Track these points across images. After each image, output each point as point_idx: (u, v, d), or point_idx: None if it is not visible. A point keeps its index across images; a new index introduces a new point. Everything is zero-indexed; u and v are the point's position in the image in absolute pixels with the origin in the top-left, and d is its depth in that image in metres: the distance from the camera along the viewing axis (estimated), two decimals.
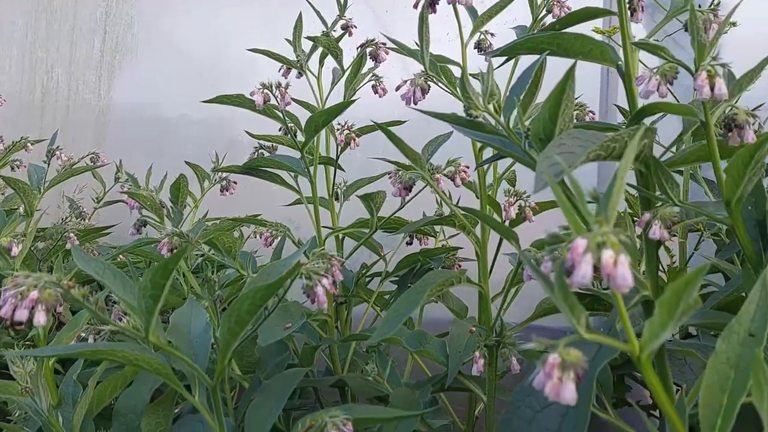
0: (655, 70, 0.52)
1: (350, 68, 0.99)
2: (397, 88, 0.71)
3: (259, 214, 1.22)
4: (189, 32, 1.92)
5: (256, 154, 1.08)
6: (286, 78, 1.11)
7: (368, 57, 0.96)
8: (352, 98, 0.92)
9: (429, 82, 0.72)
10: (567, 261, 0.32)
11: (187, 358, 0.60)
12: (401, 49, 0.75)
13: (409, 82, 0.70)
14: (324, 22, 1.14)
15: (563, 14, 0.90)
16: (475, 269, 0.98)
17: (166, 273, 0.50)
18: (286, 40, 1.12)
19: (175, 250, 0.90)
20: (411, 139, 0.79)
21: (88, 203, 1.63)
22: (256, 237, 1.32)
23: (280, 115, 0.86)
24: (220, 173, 1.19)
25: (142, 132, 1.95)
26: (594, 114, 1.00)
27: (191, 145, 1.88)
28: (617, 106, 1.20)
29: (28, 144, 1.37)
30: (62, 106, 2.07)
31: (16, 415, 1.04)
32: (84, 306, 0.51)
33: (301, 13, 1.08)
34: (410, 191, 0.79)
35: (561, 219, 0.34)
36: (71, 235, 1.13)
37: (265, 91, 0.82)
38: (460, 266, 1.05)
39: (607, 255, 0.30)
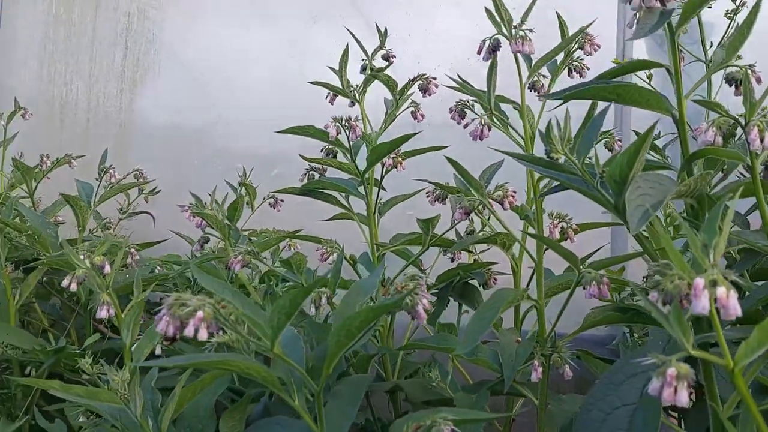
0: (711, 123, 0.62)
1: (394, 98, 1.07)
2: (465, 126, 0.80)
3: (300, 229, 1.30)
4: (213, 49, 1.99)
5: (307, 175, 1.15)
6: (332, 104, 1.20)
7: (420, 91, 1.04)
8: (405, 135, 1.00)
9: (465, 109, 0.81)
10: (677, 293, 0.42)
11: (298, 366, 0.68)
12: (466, 89, 0.84)
13: (476, 120, 0.79)
14: (365, 52, 1.22)
15: (593, 50, 1.00)
16: (504, 281, 1.10)
17: (304, 294, 0.58)
18: (330, 68, 1.21)
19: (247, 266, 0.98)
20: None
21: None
22: (290, 249, 1.41)
23: (347, 145, 0.94)
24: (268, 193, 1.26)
25: (164, 145, 2.02)
26: (620, 142, 1.11)
27: (214, 158, 1.94)
28: (634, 131, 1.32)
29: (72, 160, 1.43)
30: (82, 118, 2.13)
31: (80, 420, 1.11)
32: (227, 323, 0.59)
33: (348, 45, 1.17)
34: (469, 215, 0.88)
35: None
36: (132, 250, 1.19)
37: (337, 124, 0.91)
38: (496, 280, 1.14)
39: (721, 291, 0.39)
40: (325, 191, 1.08)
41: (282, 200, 1.31)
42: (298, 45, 1.92)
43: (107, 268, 0.87)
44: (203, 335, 0.55)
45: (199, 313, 0.55)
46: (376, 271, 0.76)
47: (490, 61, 0.78)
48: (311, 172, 1.17)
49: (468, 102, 1.06)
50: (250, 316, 0.63)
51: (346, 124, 0.91)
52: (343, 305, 0.73)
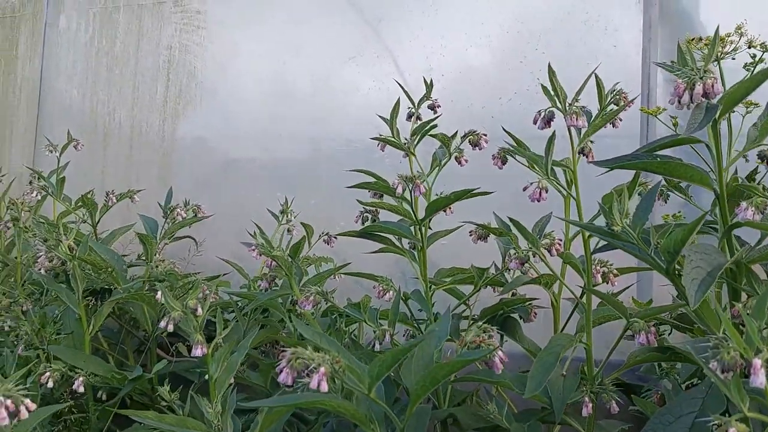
0: (750, 202, 0.72)
1: (447, 151, 1.17)
2: (524, 189, 0.91)
3: (349, 262, 1.40)
4: (251, 83, 2.10)
5: (361, 217, 1.26)
6: (383, 151, 1.31)
7: (471, 145, 1.14)
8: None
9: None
10: (733, 364, 0.52)
11: (387, 408, 0.78)
12: (521, 151, 0.94)
13: (534, 184, 0.89)
14: (411, 101, 1.33)
15: (627, 105, 1.11)
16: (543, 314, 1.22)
17: (404, 352, 0.68)
18: (380, 116, 1.32)
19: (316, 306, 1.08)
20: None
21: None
22: (335, 278, 1.52)
23: (409, 199, 1.05)
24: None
25: (205, 173, 2.12)
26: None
27: (253, 186, 2.05)
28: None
29: (134, 196, 1.53)
30: (125, 146, 2.23)
31: None
32: (337, 374, 0.69)
33: (399, 99, 1.28)
34: (524, 264, 0.98)
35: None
36: (203, 285, 1.29)
37: (404, 182, 1.01)
38: (535, 314, 1.25)
39: None
40: (381, 234, 1.17)
41: (335, 237, 1.42)
42: (332, 81, 2.03)
43: (199, 311, 0.97)
44: (324, 388, 0.65)
45: (322, 369, 0.65)
46: (444, 319, 0.87)
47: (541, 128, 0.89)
48: (365, 214, 1.28)
49: (509, 147, 1.16)
50: (352, 367, 0.73)
51: (410, 182, 1.01)
52: (419, 351, 0.84)
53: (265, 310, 1.39)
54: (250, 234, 1.73)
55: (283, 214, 1.79)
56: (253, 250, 1.21)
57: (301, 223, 1.39)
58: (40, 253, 1.37)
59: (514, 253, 0.96)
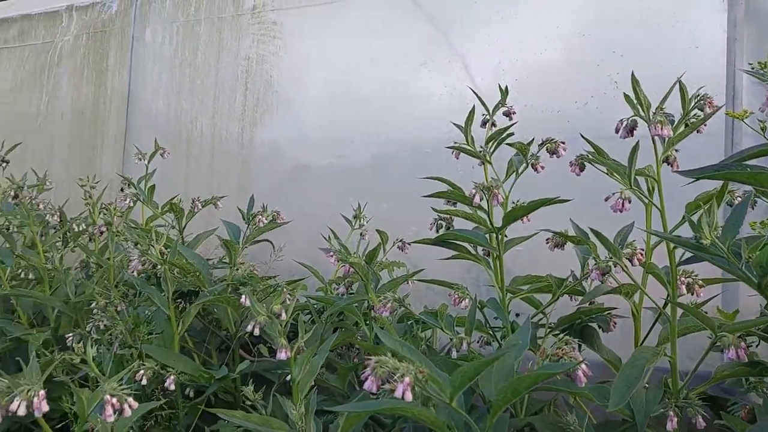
0: None
1: (526, 160, 1.17)
2: (606, 199, 0.90)
3: (422, 269, 1.42)
4: (326, 91, 2.15)
5: (436, 225, 1.27)
6: (457, 159, 1.32)
7: (548, 153, 1.14)
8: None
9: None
10: None
11: (468, 417, 0.79)
12: (603, 161, 0.93)
13: (617, 194, 0.88)
14: (486, 108, 1.34)
15: (712, 111, 1.07)
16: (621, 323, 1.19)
17: (486, 364, 0.69)
18: (454, 124, 1.33)
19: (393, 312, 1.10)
20: None
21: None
22: (408, 284, 1.53)
23: (485, 208, 1.05)
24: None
25: (279, 179, 2.19)
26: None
27: (326, 191, 2.10)
28: None
29: (218, 202, 1.61)
30: (207, 154, 2.34)
31: None
32: (420, 383, 0.71)
33: (474, 106, 1.28)
34: (605, 275, 0.97)
35: None
36: (286, 290, 1.34)
37: (481, 191, 1.02)
38: (615, 323, 1.22)
39: None
40: (456, 242, 1.18)
41: (409, 244, 1.44)
42: (403, 87, 2.05)
43: (283, 315, 1.01)
44: (409, 397, 0.67)
45: (407, 379, 0.67)
46: (524, 329, 0.87)
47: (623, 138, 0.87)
48: (439, 222, 1.29)
49: (587, 155, 1.15)
50: (434, 377, 0.75)
51: (488, 191, 1.02)
52: (499, 361, 0.84)
53: (341, 314, 1.43)
54: (325, 238, 1.78)
55: (356, 219, 1.83)
56: (331, 255, 1.25)
57: (377, 230, 1.42)
58: (134, 257, 1.46)
59: (595, 264, 0.95)
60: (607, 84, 1.69)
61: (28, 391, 0.77)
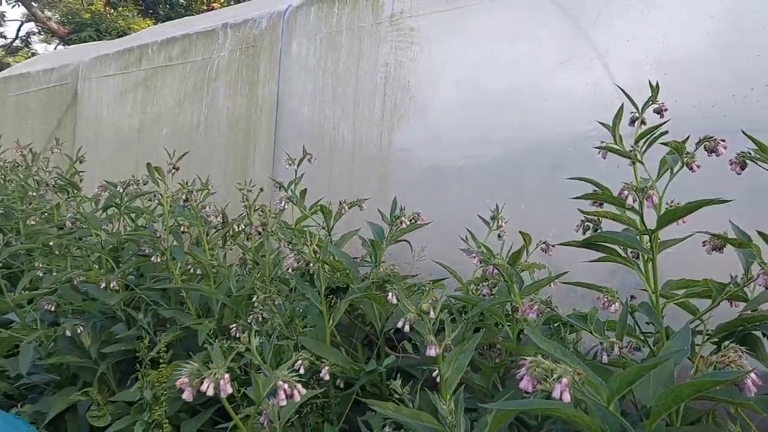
0: None
1: (681, 160, 1.12)
2: None
3: (566, 271, 1.40)
4: (459, 94, 2.18)
5: (582, 226, 1.25)
6: (604, 159, 1.29)
7: (706, 151, 1.08)
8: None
9: None
10: None
11: (625, 422, 0.78)
12: (766, 158, 0.87)
13: None
14: (635, 106, 1.29)
15: None
16: None
17: (645, 370, 0.69)
18: (601, 123, 1.30)
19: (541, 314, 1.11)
20: None
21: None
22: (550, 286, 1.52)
23: (637, 209, 1.03)
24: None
25: (416, 181, 2.25)
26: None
27: (463, 193, 2.13)
28: None
29: (362, 204, 1.70)
30: (348, 159, 2.46)
31: (385, 430, 1.33)
32: (577, 385, 0.72)
33: (623, 104, 1.25)
34: None
35: None
36: (433, 291, 1.40)
37: (634, 191, 1.00)
38: None
39: None
40: (605, 244, 1.16)
41: (553, 246, 1.43)
42: (542, 87, 2.03)
43: (432, 313, 1.06)
44: (567, 398, 0.68)
45: (565, 380, 0.68)
46: (683, 335, 0.84)
47: None
48: (586, 223, 1.27)
49: (748, 152, 1.08)
50: (590, 379, 0.75)
51: (642, 193, 0.99)
52: (657, 369, 0.82)
53: (481, 314, 1.45)
54: (462, 239, 1.81)
55: (493, 220, 1.84)
56: (473, 257, 1.27)
57: (520, 232, 1.42)
58: (289, 255, 1.58)
59: (761, 269, 0.90)
60: None
61: (215, 374, 0.88)
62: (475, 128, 2.16)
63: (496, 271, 1.22)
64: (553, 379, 0.69)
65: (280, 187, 2.04)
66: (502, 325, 1.40)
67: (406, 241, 1.89)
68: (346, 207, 1.72)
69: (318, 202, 1.90)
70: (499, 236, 1.82)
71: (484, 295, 1.37)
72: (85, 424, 1.93)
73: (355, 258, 1.73)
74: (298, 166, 2.07)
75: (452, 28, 2.21)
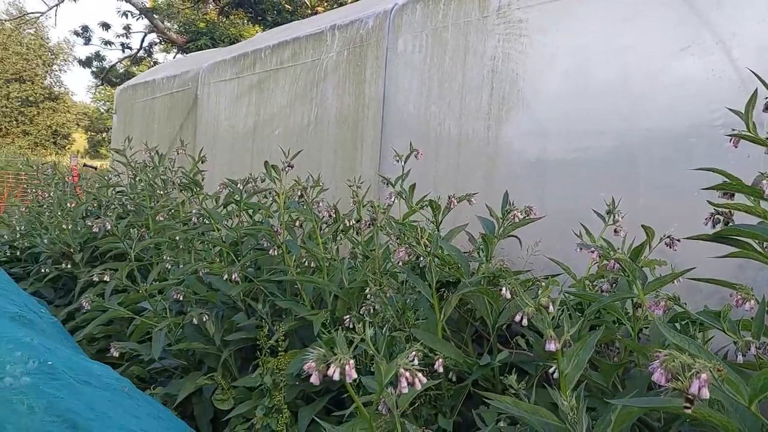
0: None
1: None
2: None
3: (693, 267, 1.33)
4: (569, 83, 2.12)
5: (712, 220, 1.18)
6: (735, 147, 1.21)
7: None
8: None
9: None
10: None
11: (764, 420, 0.74)
12: None
13: None
14: None
15: None
16: None
17: None
18: (731, 110, 1.22)
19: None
20: None
21: None
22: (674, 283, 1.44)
23: None
24: None
25: (523, 174, 2.22)
26: None
27: (576, 185, 2.07)
28: None
29: (472, 199, 1.70)
30: (453, 152, 2.46)
31: (500, 425, 1.32)
32: (716, 383, 0.68)
33: (756, 90, 1.17)
34: None
35: None
36: (551, 287, 1.38)
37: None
38: None
39: None
40: (739, 238, 1.09)
41: (678, 241, 1.36)
42: (660, 75, 1.92)
43: (551, 308, 1.04)
44: (705, 394, 0.65)
45: (704, 376, 0.65)
46: None
47: None
48: (716, 216, 1.20)
49: None
50: (730, 378, 0.71)
51: None
52: None
53: (598, 311, 1.41)
54: (575, 234, 1.76)
55: (609, 214, 1.78)
56: (592, 251, 1.24)
57: (642, 225, 1.36)
58: (399, 249, 1.61)
59: None
60: None
61: (340, 360, 0.92)
62: (586, 119, 2.09)
63: (616, 266, 1.17)
64: (691, 375, 0.66)
65: (387, 183, 2.08)
66: (621, 323, 1.35)
67: (514, 236, 1.87)
68: (455, 201, 1.72)
69: (425, 197, 1.92)
70: (615, 231, 1.76)
71: (602, 291, 1.32)
72: (210, 407, 2.07)
73: (465, 253, 1.73)
74: (405, 162, 2.10)
75: (563, 17, 2.15)
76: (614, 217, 1.76)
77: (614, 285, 1.29)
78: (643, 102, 1.97)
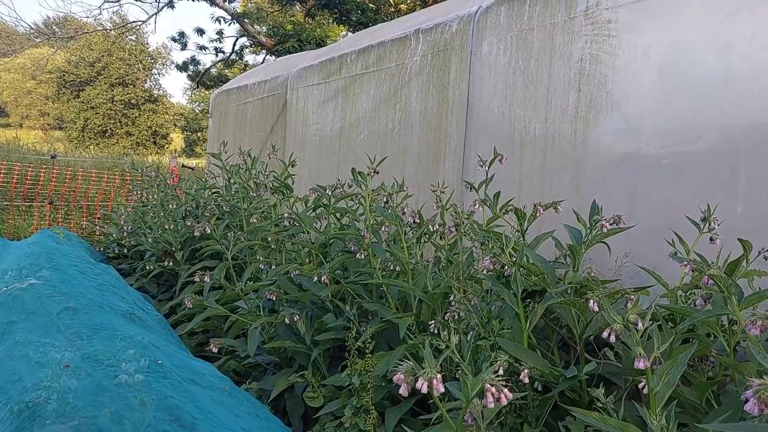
0: None
1: None
2: None
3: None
4: (668, 81, 2.04)
5: None
6: None
7: None
8: None
9: None
10: None
11: None
12: None
13: None
14: None
15: None
16: None
17: None
18: None
19: None
20: None
21: None
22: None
23: None
24: None
25: (615, 178, 2.16)
26: None
27: (670, 191, 2.00)
28: None
29: (558, 206, 1.68)
30: (539, 156, 2.43)
31: None
32: None
33: None
34: None
35: None
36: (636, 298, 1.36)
37: None
38: None
39: None
40: None
41: None
42: (761, 69, 1.82)
43: (640, 325, 1.03)
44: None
45: None
46: None
47: None
48: None
49: None
50: None
51: None
52: None
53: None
54: (668, 242, 1.71)
55: (704, 222, 1.71)
56: (685, 265, 1.21)
57: (739, 239, 1.31)
58: (485, 257, 1.63)
59: None
60: None
61: (428, 374, 0.96)
62: (684, 120, 2.01)
63: (710, 282, 1.14)
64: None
65: (471, 188, 2.09)
66: (715, 337, 1.31)
67: (603, 242, 1.83)
68: (541, 210, 1.71)
69: (509, 201, 1.92)
70: (711, 239, 1.69)
71: (696, 305, 1.29)
72: (300, 403, 2.17)
73: (550, 262, 1.72)
74: (489, 167, 2.10)
75: (658, 16, 2.08)
76: (710, 224, 1.69)
77: (708, 300, 1.25)
78: (750, 99, 1.87)
